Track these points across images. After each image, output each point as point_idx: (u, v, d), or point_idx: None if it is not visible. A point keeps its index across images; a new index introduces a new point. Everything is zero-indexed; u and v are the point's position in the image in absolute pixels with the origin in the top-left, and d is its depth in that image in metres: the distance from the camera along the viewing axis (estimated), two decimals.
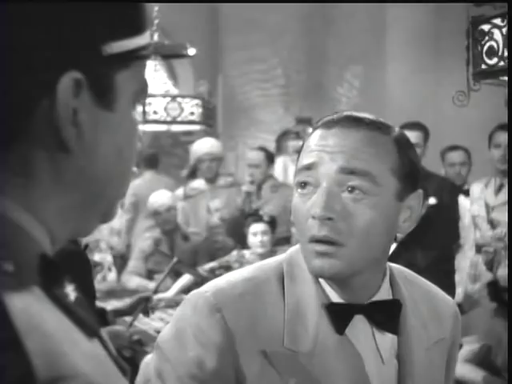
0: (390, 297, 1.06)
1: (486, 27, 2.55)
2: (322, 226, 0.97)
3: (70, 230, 0.63)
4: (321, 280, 1.04)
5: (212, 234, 4.57)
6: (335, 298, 1.04)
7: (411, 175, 1.02)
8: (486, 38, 2.55)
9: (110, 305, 3.27)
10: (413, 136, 3.88)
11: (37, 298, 0.53)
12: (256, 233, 3.88)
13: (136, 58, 0.63)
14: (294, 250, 1.08)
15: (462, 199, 4.39)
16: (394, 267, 1.10)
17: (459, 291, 3.94)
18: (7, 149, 0.58)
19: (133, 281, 4.30)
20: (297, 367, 0.99)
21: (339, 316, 1.02)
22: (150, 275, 4.32)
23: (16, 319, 0.50)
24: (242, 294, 1.02)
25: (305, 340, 1.00)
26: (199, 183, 4.82)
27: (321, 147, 1.00)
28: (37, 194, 0.59)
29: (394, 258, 3.15)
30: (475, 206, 3.99)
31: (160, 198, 4.41)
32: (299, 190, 1.01)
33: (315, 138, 1.02)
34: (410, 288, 1.09)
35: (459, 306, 3.43)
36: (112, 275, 4.39)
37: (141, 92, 0.65)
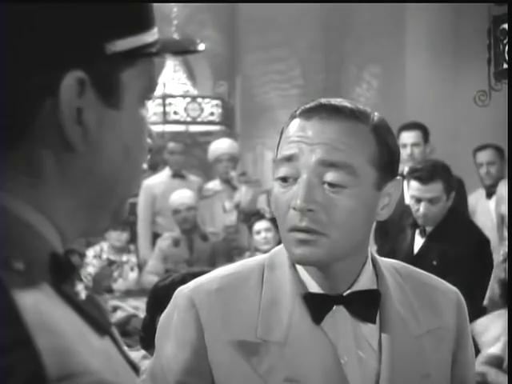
0: (374, 286, 1.07)
1: (507, 26, 2.52)
2: (302, 217, 0.98)
3: (80, 229, 0.63)
4: (299, 268, 1.05)
5: (228, 234, 4.59)
6: (313, 286, 1.05)
7: (390, 164, 1.03)
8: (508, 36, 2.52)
9: (127, 304, 3.28)
10: (411, 136, 3.87)
11: (47, 295, 0.53)
12: (259, 231, 4.00)
13: (142, 55, 0.62)
14: (278, 246, 1.10)
15: (481, 198, 4.33)
16: (380, 259, 1.11)
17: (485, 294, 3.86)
18: (14, 148, 0.58)
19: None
20: (267, 356, 1.01)
21: (317, 306, 1.03)
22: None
23: (26, 317, 0.50)
24: (218, 289, 1.05)
25: (278, 329, 1.02)
26: (214, 184, 4.84)
27: (300, 138, 1.00)
28: (45, 192, 0.59)
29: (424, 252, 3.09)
30: (504, 206, 3.91)
31: (181, 196, 4.45)
32: (280, 182, 1.02)
33: (294, 127, 1.02)
34: (399, 279, 1.10)
35: (484, 308, 3.36)
36: (133, 275, 4.43)
37: (149, 90, 0.64)
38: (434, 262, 3.00)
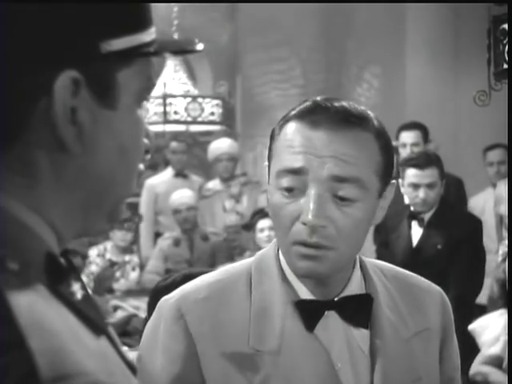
0: (363, 290, 1.05)
1: (507, 26, 2.52)
2: (312, 232, 0.95)
3: (76, 229, 0.62)
4: (288, 274, 1.03)
5: (228, 234, 4.59)
6: (304, 293, 1.02)
7: (389, 169, 1.02)
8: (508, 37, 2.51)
9: (128, 303, 3.28)
10: (411, 136, 3.89)
11: (42, 296, 0.53)
12: (263, 229, 3.98)
13: (139, 55, 0.62)
14: (264, 250, 1.07)
15: (491, 197, 4.33)
16: (366, 260, 1.09)
17: (485, 293, 3.86)
18: (9, 148, 0.58)
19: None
20: (262, 367, 0.98)
21: (309, 313, 1.01)
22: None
23: (20, 318, 0.50)
24: (205, 298, 1.01)
25: (270, 338, 0.99)
26: (214, 184, 4.83)
27: (306, 149, 0.96)
28: (40, 193, 0.59)
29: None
30: (503, 206, 3.90)
31: (181, 196, 4.44)
32: (283, 191, 0.98)
33: (297, 135, 0.97)
34: (385, 281, 1.08)
35: (484, 308, 3.38)
36: (134, 275, 4.43)
37: (146, 90, 0.64)
38: (439, 246, 3.11)
